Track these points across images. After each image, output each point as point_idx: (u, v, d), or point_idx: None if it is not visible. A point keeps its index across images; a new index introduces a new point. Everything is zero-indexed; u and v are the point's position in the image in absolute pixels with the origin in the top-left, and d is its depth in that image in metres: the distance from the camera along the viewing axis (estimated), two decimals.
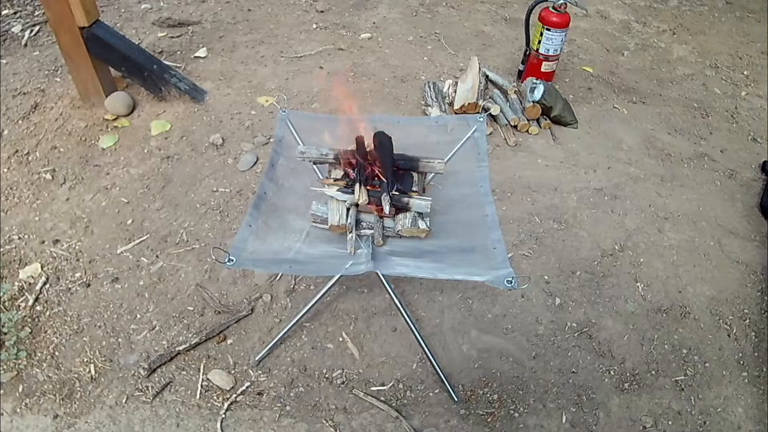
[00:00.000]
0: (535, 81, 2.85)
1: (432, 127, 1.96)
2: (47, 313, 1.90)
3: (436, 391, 1.76)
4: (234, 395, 1.70)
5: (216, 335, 1.85)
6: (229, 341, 1.85)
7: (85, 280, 2.00)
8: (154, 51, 3.13)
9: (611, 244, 2.25)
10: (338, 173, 1.65)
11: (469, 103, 2.74)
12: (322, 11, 3.76)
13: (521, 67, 3.12)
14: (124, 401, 1.69)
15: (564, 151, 2.72)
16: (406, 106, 2.91)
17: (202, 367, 1.78)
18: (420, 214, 1.56)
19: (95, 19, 2.50)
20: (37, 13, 3.54)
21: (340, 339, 1.87)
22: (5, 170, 2.42)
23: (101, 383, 1.73)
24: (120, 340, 1.84)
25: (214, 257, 2.01)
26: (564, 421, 1.71)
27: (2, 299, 1.91)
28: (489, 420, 1.70)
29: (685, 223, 2.39)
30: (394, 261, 1.49)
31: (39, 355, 1.79)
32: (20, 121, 2.66)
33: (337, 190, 1.56)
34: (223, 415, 1.66)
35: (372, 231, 1.56)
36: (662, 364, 1.87)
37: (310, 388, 1.74)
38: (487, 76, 3.06)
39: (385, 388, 1.76)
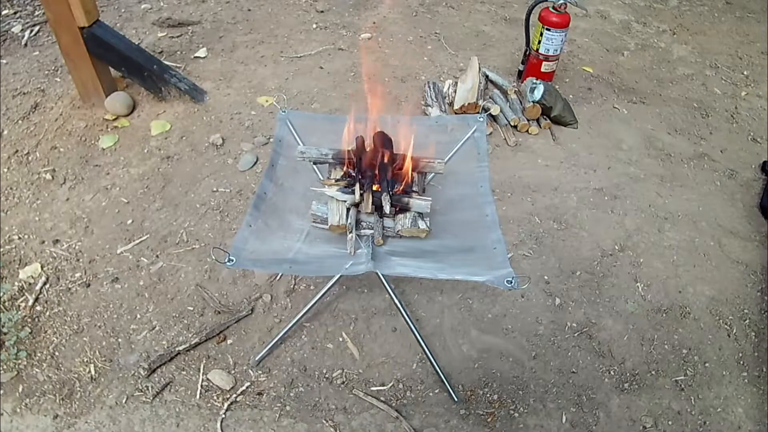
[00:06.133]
0: (535, 81, 2.85)
1: (432, 127, 1.96)
2: (47, 313, 1.90)
3: (436, 391, 1.76)
4: (234, 395, 1.71)
5: (216, 335, 1.85)
6: (229, 341, 1.85)
7: (85, 280, 2.00)
8: (154, 51, 3.13)
9: (611, 244, 2.25)
10: (338, 173, 1.66)
11: (469, 103, 2.74)
12: (322, 11, 3.77)
13: (521, 67, 3.12)
14: (124, 401, 1.69)
15: (564, 151, 2.72)
16: (406, 106, 2.91)
17: (202, 367, 1.78)
18: (420, 214, 1.56)
19: (95, 19, 2.50)
20: (37, 13, 3.54)
21: (340, 339, 1.87)
22: (5, 170, 2.42)
23: (101, 383, 1.73)
24: (120, 340, 1.84)
25: (214, 257, 2.02)
26: (564, 421, 1.71)
27: (2, 299, 1.91)
28: (489, 420, 1.70)
29: (685, 223, 2.39)
30: (394, 261, 1.49)
31: (39, 355, 1.79)
32: (20, 121, 2.66)
33: (337, 190, 1.56)
34: (223, 415, 1.66)
35: (372, 231, 1.56)
36: (662, 364, 1.87)
37: (310, 388, 1.74)
38: (487, 76, 3.06)
39: (385, 388, 1.76)
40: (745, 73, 3.52)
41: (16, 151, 2.51)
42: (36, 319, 1.88)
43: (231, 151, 2.56)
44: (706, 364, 1.88)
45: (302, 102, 2.89)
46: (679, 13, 4.23)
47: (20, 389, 1.71)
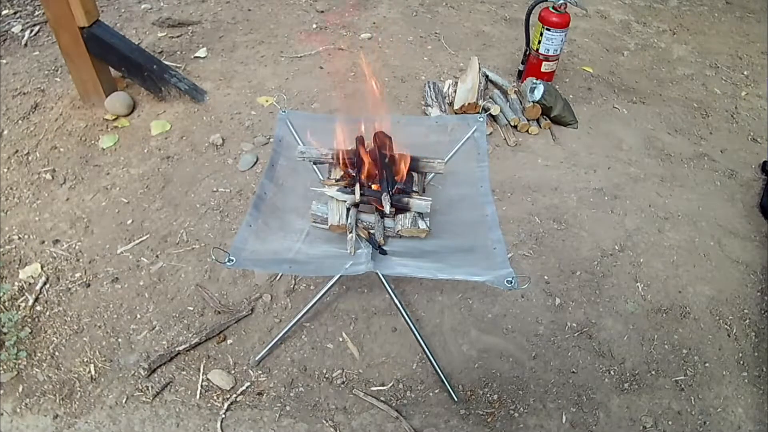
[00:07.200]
0: (535, 81, 2.85)
1: (432, 127, 1.96)
2: (47, 313, 1.90)
3: (436, 391, 1.76)
4: (234, 395, 1.71)
5: (216, 335, 1.85)
6: (229, 341, 1.85)
7: (85, 280, 2.00)
8: (154, 51, 3.13)
9: (611, 244, 2.25)
10: (338, 173, 1.66)
11: (469, 103, 2.74)
12: (322, 11, 3.77)
13: (521, 67, 3.12)
14: (124, 401, 1.69)
15: (564, 151, 2.72)
16: (406, 106, 2.91)
17: (202, 367, 1.78)
18: (420, 214, 1.56)
19: (95, 19, 2.50)
20: (37, 13, 3.54)
21: (340, 339, 1.87)
22: (5, 170, 2.42)
23: (101, 383, 1.73)
24: (120, 340, 1.84)
25: (214, 257, 2.01)
26: (564, 421, 1.71)
27: (2, 299, 1.91)
28: (489, 420, 1.70)
29: (685, 223, 2.39)
30: (394, 261, 1.49)
31: (39, 355, 1.79)
32: (20, 121, 2.66)
33: (337, 190, 1.56)
34: (223, 415, 1.66)
35: (372, 231, 1.56)
36: (662, 364, 1.87)
37: (310, 388, 1.74)
38: (487, 76, 3.06)
39: (385, 388, 1.76)
40: (745, 73, 3.52)
41: (16, 151, 2.51)
42: (36, 319, 1.88)
43: (231, 151, 2.56)
44: (706, 364, 1.88)
45: (302, 102, 2.89)
46: (679, 13, 4.23)
47: (20, 389, 1.71)
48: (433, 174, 1.75)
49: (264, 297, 1.97)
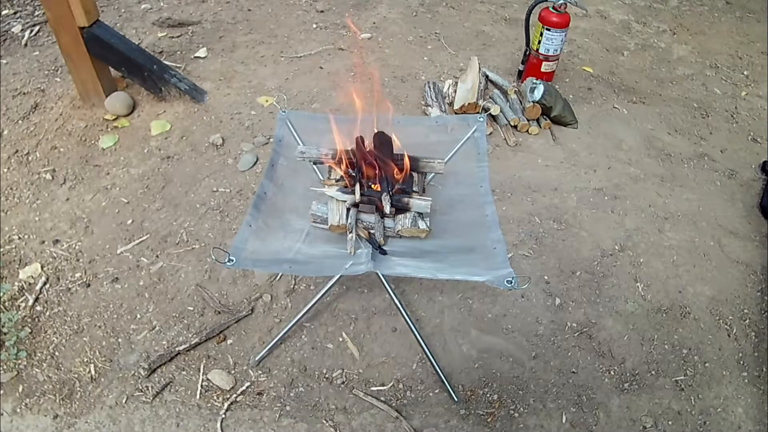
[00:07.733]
0: (535, 81, 2.85)
1: (432, 127, 1.96)
2: (47, 313, 1.90)
3: (436, 391, 1.76)
4: (234, 395, 1.71)
5: (216, 335, 1.85)
6: (229, 341, 1.85)
7: (85, 280, 2.00)
8: (154, 51, 3.13)
9: (611, 244, 2.25)
10: (338, 173, 1.66)
11: (469, 103, 2.74)
12: (322, 11, 3.77)
13: (521, 67, 3.12)
14: (124, 401, 1.69)
15: (564, 151, 2.72)
16: (406, 106, 2.91)
17: (202, 367, 1.78)
18: (420, 214, 1.56)
19: (95, 19, 2.50)
20: (37, 13, 3.54)
21: (340, 339, 1.87)
22: (5, 170, 2.42)
23: (101, 383, 1.73)
24: (120, 340, 1.84)
25: (214, 257, 2.01)
26: (564, 421, 1.71)
27: (2, 299, 1.91)
28: (489, 420, 1.70)
29: (685, 223, 2.39)
30: (394, 261, 1.49)
31: (39, 355, 1.79)
32: (20, 121, 2.66)
33: (337, 190, 1.56)
34: (223, 415, 1.66)
35: (373, 231, 1.56)
36: (662, 364, 1.87)
37: (310, 388, 1.74)
38: (487, 76, 3.06)
39: (385, 388, 1.76)
40: (745, 73, 3.52)
41: (16, 151, 2.51)
42: (36, 319, 1.88)
43: (231, 151, 2.56)
44: (706, 364, 1.88)
45: (302, 102, 2.89)
46: (679, 13, 4.23)
47: (20, 389, 1.71)
48: (433, 174, 1.75)
49: (264, 297, 1.97)
